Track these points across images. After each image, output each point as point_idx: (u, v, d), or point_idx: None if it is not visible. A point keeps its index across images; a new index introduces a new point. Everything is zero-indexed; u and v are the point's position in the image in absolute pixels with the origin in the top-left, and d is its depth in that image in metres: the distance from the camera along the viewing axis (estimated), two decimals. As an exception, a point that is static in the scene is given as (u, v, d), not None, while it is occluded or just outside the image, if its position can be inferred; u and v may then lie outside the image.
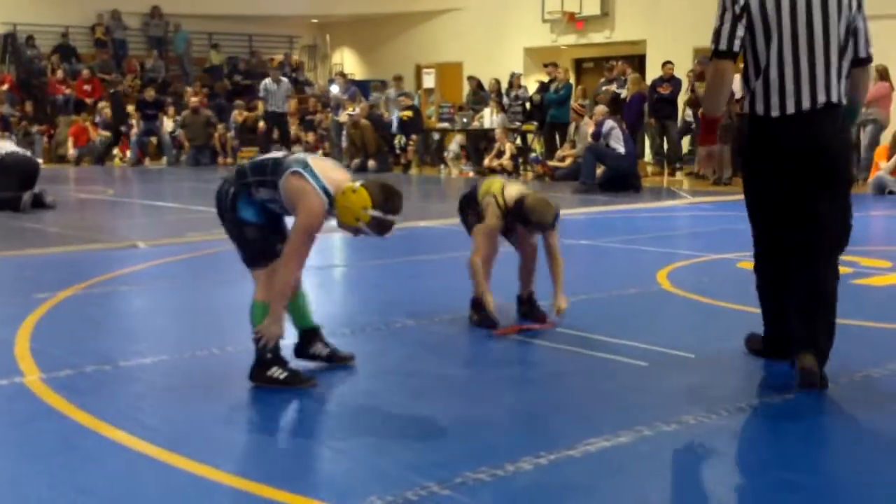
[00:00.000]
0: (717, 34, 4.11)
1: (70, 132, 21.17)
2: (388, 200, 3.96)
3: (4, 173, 11.04)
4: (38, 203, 11.15)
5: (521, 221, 5.13)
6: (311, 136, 19.79)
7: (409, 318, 5.40)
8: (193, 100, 21.16)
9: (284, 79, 20.07)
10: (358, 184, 4.00)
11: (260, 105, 19.89)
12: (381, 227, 3.97)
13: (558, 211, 5.16)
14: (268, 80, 19.58)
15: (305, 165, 4.02)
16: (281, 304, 4.07)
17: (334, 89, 20.27)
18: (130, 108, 21.81)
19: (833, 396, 4.04)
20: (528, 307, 5.35)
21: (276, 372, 4.09)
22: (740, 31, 4.07)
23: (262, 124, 19.91)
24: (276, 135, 19.52)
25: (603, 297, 6.15)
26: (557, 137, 17.68)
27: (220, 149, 20.92)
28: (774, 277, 4.31)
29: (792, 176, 4.10)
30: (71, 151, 20.79)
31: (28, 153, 12.17)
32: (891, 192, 13.26)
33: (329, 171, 4.07)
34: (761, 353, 4.52)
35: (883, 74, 14.99)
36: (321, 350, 4.41)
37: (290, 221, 4.16)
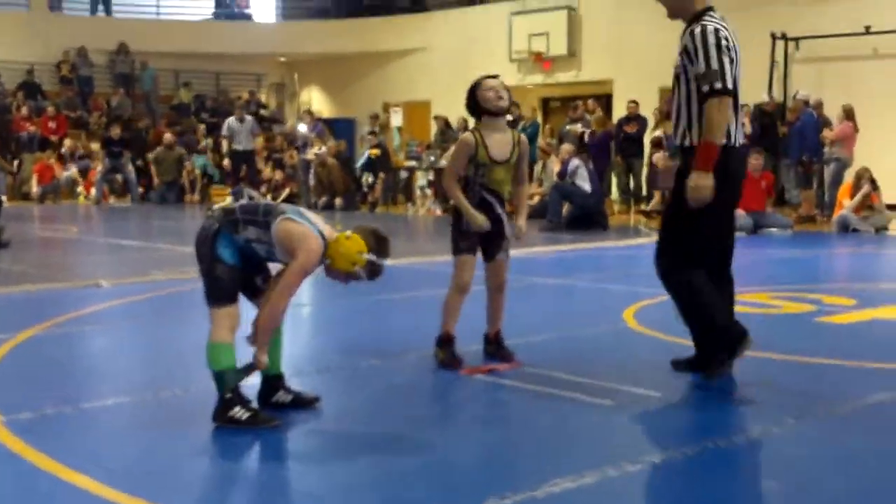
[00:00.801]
0: (721, 74, 4.52)
1: (34, 169, 21.02)
2: (381, 245, 4.18)
3: None
4: None
5: (478, 91, 5.11)
6: (278, 175, 19.77)
7: (375, 358, 5.37)
8: (167, 136, 21.17)
9: (249, 117, 20.13)
10: (349, 231, 4.15)
11: (224, 143, 19.90)
12: (373, 271, 4.16)
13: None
14: (231, 119, 19.59)
15: (300, 214, 4.16)
16: (265, 336, 4.11)
17: (302, 128, 20.33)
18: (95, 146, 21.74)
19: (797, 435, 4.05)
20: (494, 347, 5.33)
21: (239, 412, 4.05)
22: (736, 73, 4.59)
23: (226, 162, 19.90)
24: (242, 173, 19.50)
25: (569, 335, 6.15)
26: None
27: (188, 186, 20.87)
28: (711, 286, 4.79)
29: (737, 195, 4.85)
30: (35, 189, 20.63)
31: None
32: (854, 230, 13.42)
33: (320, 222, 4.19)
34: (691, 367, 4.84)
35: (849, 114, 15.22)
36: (283, 397, 4.37)
37: (272, 267, 4.23)
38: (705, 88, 4.53)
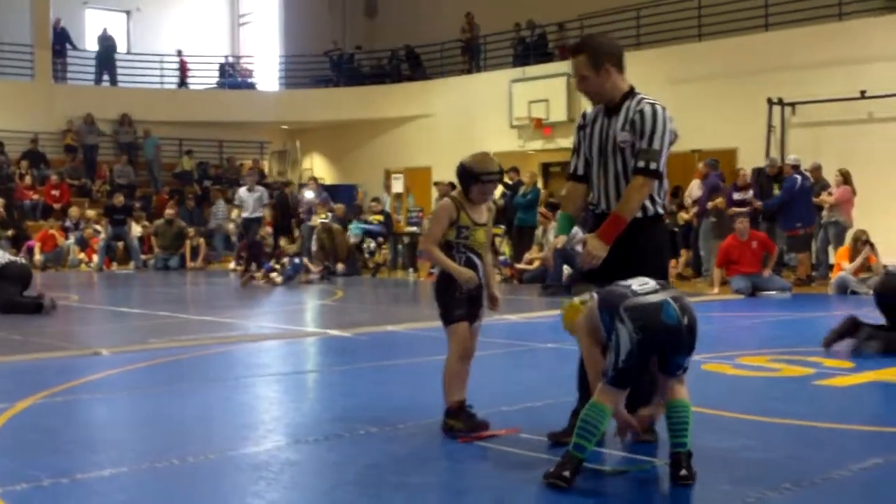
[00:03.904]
0: (658, 157, 4.68)
1: (37, 237, 21.12)
2: None
3: (9, 281, 11.63)
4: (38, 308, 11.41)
5: (473, 182, 5.14)
6: (283, 241, 19.89)
7: (374, 426, 5.35)
8: (169, 212, 21.35)
9: (260, 188, 20.49)
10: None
11: (235, 212, 20.22)
12: None
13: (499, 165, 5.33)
14: (242, 189, 19.91)
15: None
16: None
17: (309, 195, 20.50)
18: (92, 213, 21.90)
19: (794, 501, 4.03)
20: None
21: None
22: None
23: (231, 227, 20.10)
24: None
25: (569, 401, 6.11)
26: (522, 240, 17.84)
27: (189, 255, 21.00)
28: None
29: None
30: (37, 257, 20.71)
31: (23, 260, 13.40)
32: (853, 293, 13.42)
33: None
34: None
35: (846, 178, 15.36)
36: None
37: None
38: (640, 164, 4.67)
